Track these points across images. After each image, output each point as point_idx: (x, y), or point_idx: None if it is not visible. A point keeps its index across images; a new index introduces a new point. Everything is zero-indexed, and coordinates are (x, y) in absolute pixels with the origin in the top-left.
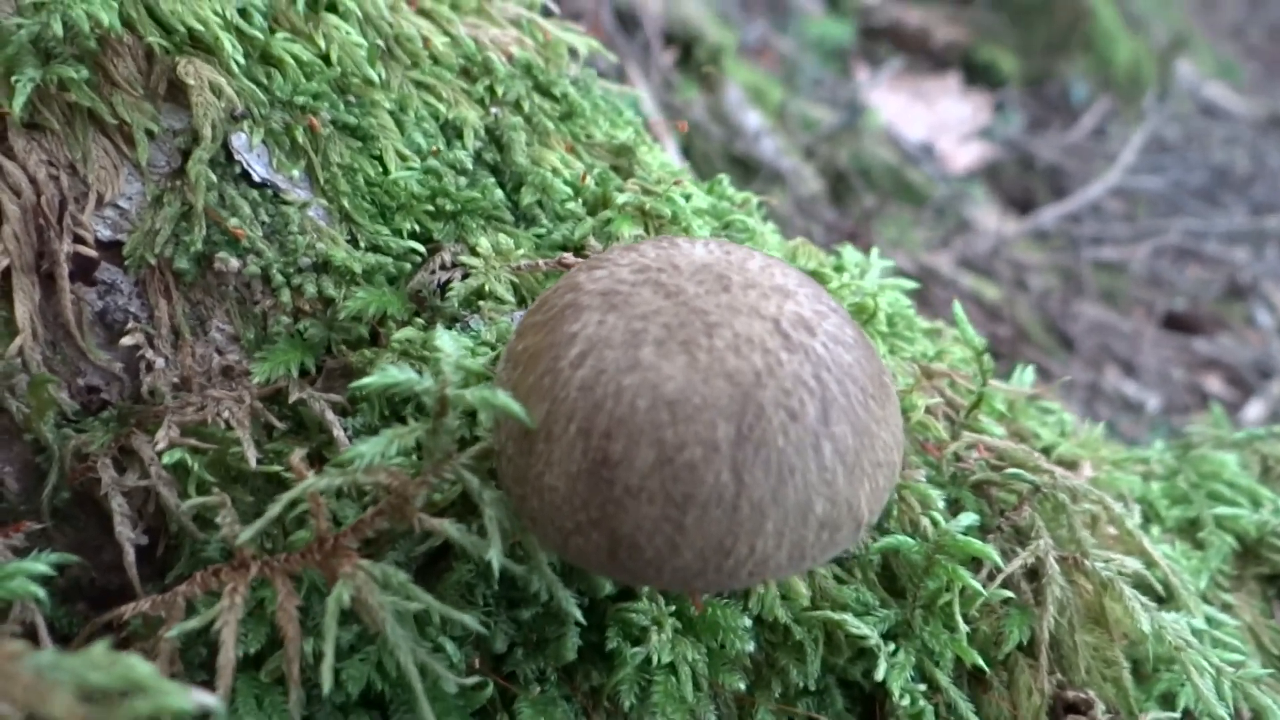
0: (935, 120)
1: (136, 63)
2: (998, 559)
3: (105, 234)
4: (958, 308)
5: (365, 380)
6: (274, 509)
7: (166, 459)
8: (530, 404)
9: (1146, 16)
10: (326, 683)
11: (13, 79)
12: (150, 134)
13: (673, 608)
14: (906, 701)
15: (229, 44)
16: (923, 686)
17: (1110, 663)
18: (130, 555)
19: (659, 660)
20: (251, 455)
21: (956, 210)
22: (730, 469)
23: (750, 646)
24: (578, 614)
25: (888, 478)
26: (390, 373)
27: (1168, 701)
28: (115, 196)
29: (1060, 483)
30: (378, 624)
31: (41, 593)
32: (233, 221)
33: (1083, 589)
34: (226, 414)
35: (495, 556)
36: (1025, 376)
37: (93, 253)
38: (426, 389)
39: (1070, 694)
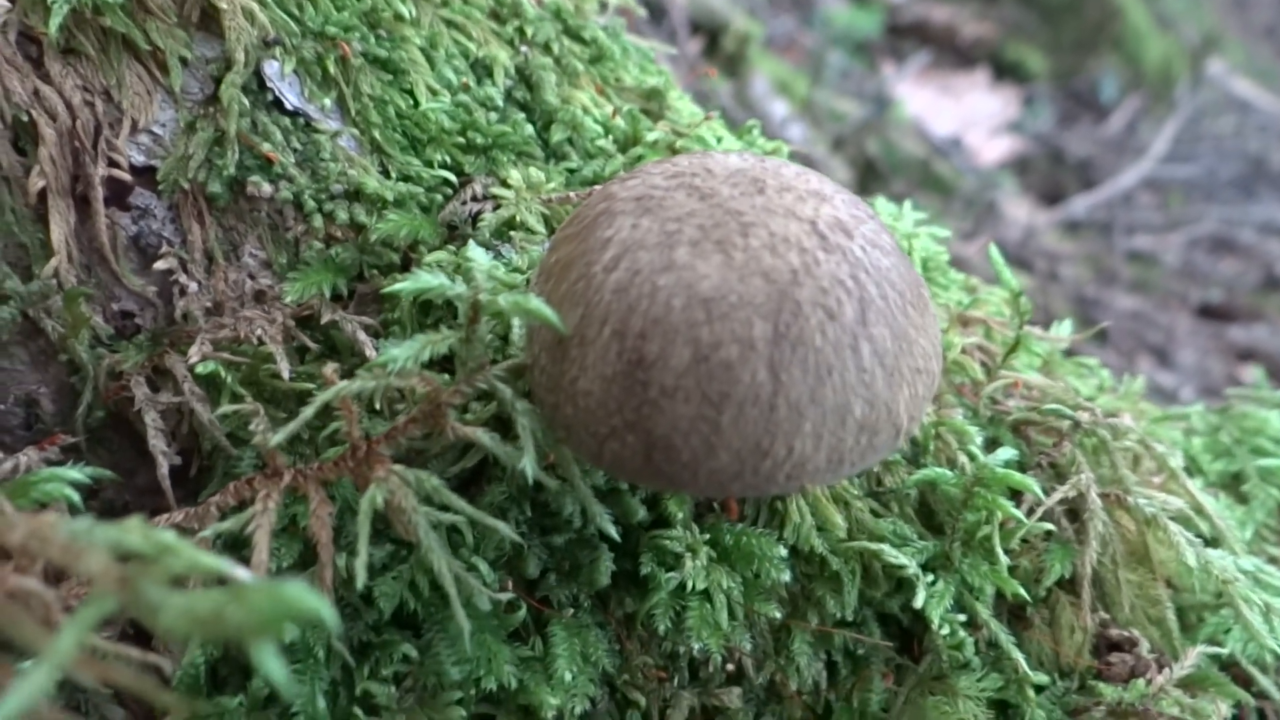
0: (963, 114)
1: None
2: (1038, 491)
3: (139, 159)
4: (993, 249)
5: (398, 284)
6: (307, 411)
7: (200, 369)
8: (564, 311)
9: (1177, 16)
10: (360, 578)
11: (49, 1)
12: (184, 61)
13: (707, 536)
14: (946, 631)
15: None
16: (962, 617)
17: (1154, 601)
18: (164, 467)
19: (693, 586)
20: (285, 368)
21: (985, 201)
22: (767, 367)
23: (786, 576)
24: (612, 530)
25: (927, 386)
26: (423, 277)
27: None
28: (149, 123)
29: (1101, 419)
30: (410, 530)
31: (75, 496)
32: (265, 146)
33: (1125, 528)
34: (259, 332)
35: (529, 464)
36: (1063, 328)
37: (127, 177)
38: (459, 294)
39: (1114, 632)
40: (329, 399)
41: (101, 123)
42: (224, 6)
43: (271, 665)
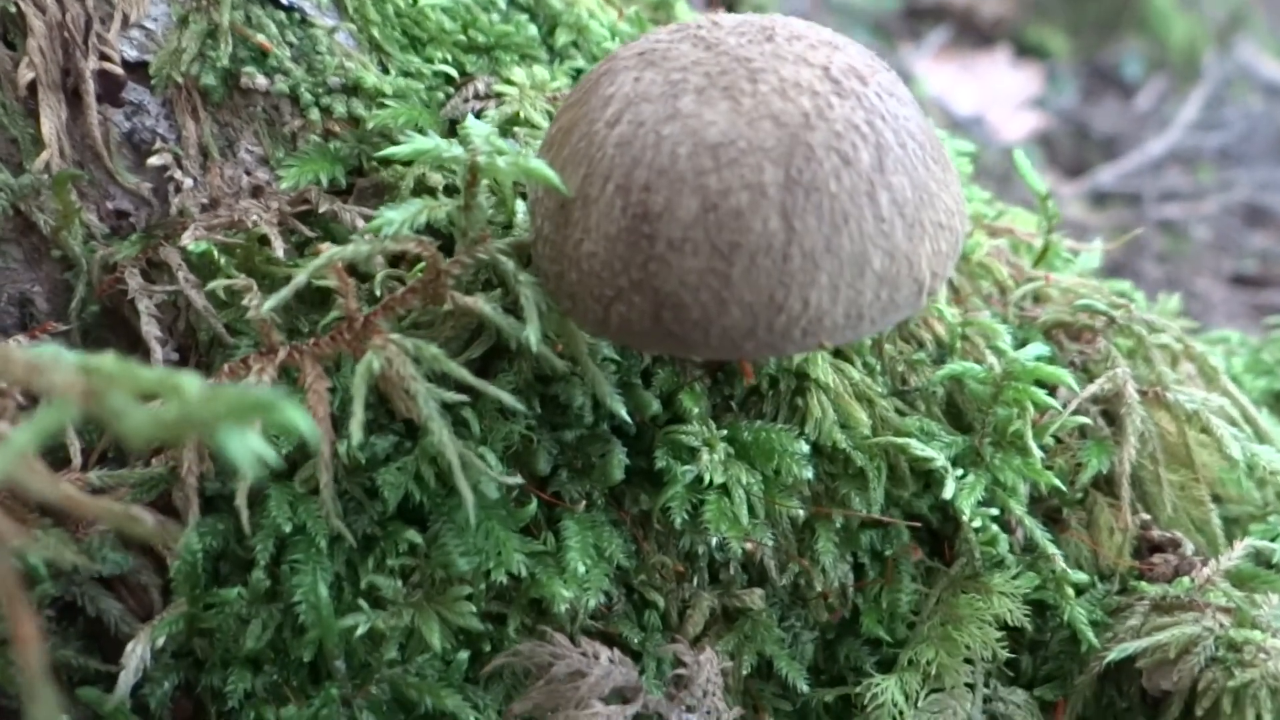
0: (984, 92)
1: None
2: (1072, 382)
3: (132, 54)
4: (1018, 154)
5: (394, 148)
6: (299, 276)
7: (193, 248)
8: (566, 174)
9: None
10: (355, 435)
11: None
12: None
13: (724, 432)
14: (978, 524)
15: None
16: (994, 511)
17: (1198, 502)
18: (158, 353)
19: (711, 480)
20: (280, 248)
21: (1008, 176)
22: (779, 214)
23: (808, 473)
24: (623, 411)
25: (950, 243)
26: (418, 139)
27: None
28: (141, 17)
29: (1137, 316)
30: (410, 405)
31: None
32: (260, 37)
33: (1165, 429)
34: (255, 218)
35: (532, 333)
36: (1091, 259)
37: (119, 71)
38: (456, 156)
39: (1155, 534)
40: (321, 264)
41: (92, 16)
42: None
43: (239, 446)
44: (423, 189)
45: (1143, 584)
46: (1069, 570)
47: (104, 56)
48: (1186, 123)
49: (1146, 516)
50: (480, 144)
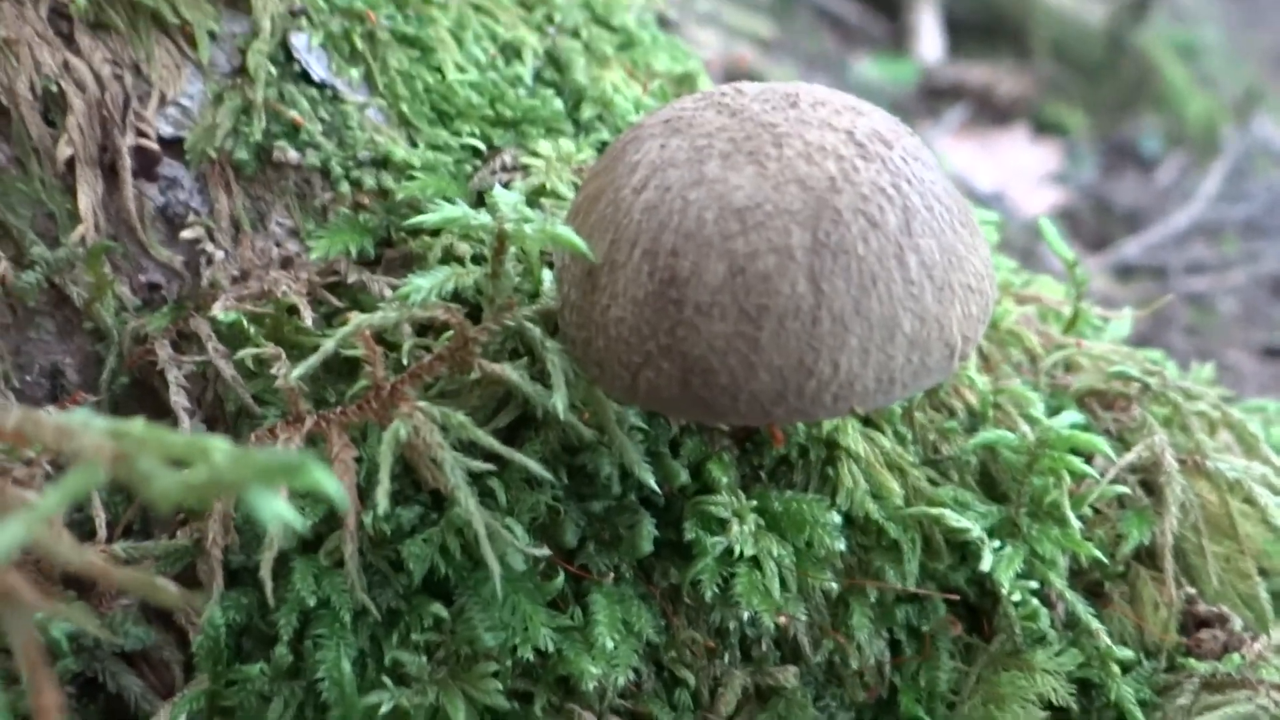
0: (1004, 168)
1: None
2: (1108, 450)
3: (168, 131)
4: (1044, 222)
5: (422, 216)
6: (328, 344)
7: (223, 317)
8: (593, 240)
9: (1217, 75)
10: (382, 504)
11: None
12: (212, 35)
13: (754, 502)
14: (1018, 598)
15: None
16: (1034, 584)
17: (1244, 575)
18: (186, 424)
19: (741, 552)
20: (308, 316)
21: (1031, 250)
22: (807, 278)
23: (841, 544)
24: (651, 480)
25: (981, 307)
26: (446, 208)
27: None
28: (177, 95)
29: (1171, 381)
30: (437, 475)
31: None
32: (292, 112)
33: (1206, 499)
34: (284, 288)
35: (560, 400)
36: (1121, 326)
37: (155, 147)
38: (483, 224)
39: (1201, 608)
40: (349, 331)
41: (130, 95)
42: None
43: (268, 508)
44: (450, 258)
45: (1191, 660)
46: (1114, 646)
47: (141, 133)
48: (1209, 195)
49: (1191, 590)
50: (507, 211)
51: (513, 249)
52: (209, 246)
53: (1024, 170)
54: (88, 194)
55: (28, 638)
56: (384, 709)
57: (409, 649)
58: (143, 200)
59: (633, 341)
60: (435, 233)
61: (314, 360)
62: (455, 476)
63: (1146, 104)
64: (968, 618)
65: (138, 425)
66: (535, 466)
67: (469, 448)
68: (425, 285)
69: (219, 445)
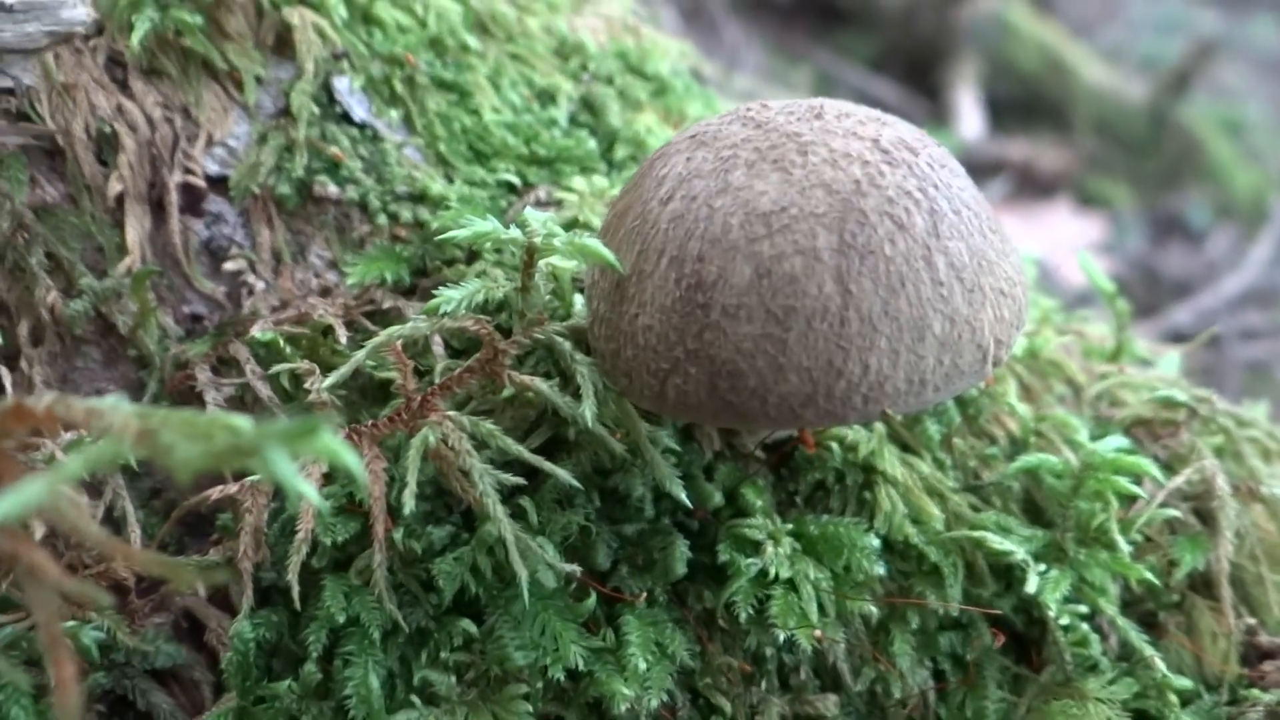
0: (1048, 239)
1: (247, 18)
2: (1156, 473)
3: (214, 169)
4: (1083, 254)
5: (454, 231)
6: (359, 354)
7: (260, 336)
8: (621, 253)
9: (1263, 150)
10: (408, 504)
11: (133, 18)
12: (258, 79)
13: (789, 525)
14: (1066, 622)
15: (334, 1)
16: (1084, 608)
17: None
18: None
19: (777, 574)
20: (343, 336)
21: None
22: (834, 279)
23: (880, 569)
24: (683, 495)
25: (1013, 311)
26: (476, 223)
27: None
28: (224, 136)
29: (1221, 408)
30: (466, 487)
31: (131, 457)
32: (333, 149)
33: (1262, 527)
34: (321, 312)
35: (588, 410)
36: (1169, 364)
37: (202, 183)
38: (513, 238)
39: (1264, 639)
40: (380, 341)
41: (179, 136)
42: (295, 22)
43: (284, 468)
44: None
45: (1255, 691)
46: (1171, 676)
47: (188, 170)
48: (1261, 261)
49: (1252, 621)
50: (537, 227)
51: (544, 267)
52: (250, 278)
53: (1068, 241)
54: (135, 228)
55: (50, 613)
56: None
57: (438, 668)
58: (188, 234)
59: (660, 349)
60: (469, 260)
61: (346, 369)
62: (484, 484)
63: (1191, 178)
64: (1015, 649)
65: (164, 410)
66: (565, 475)
67: (500, 468)
68: (456, 297)
69: (241, 419)
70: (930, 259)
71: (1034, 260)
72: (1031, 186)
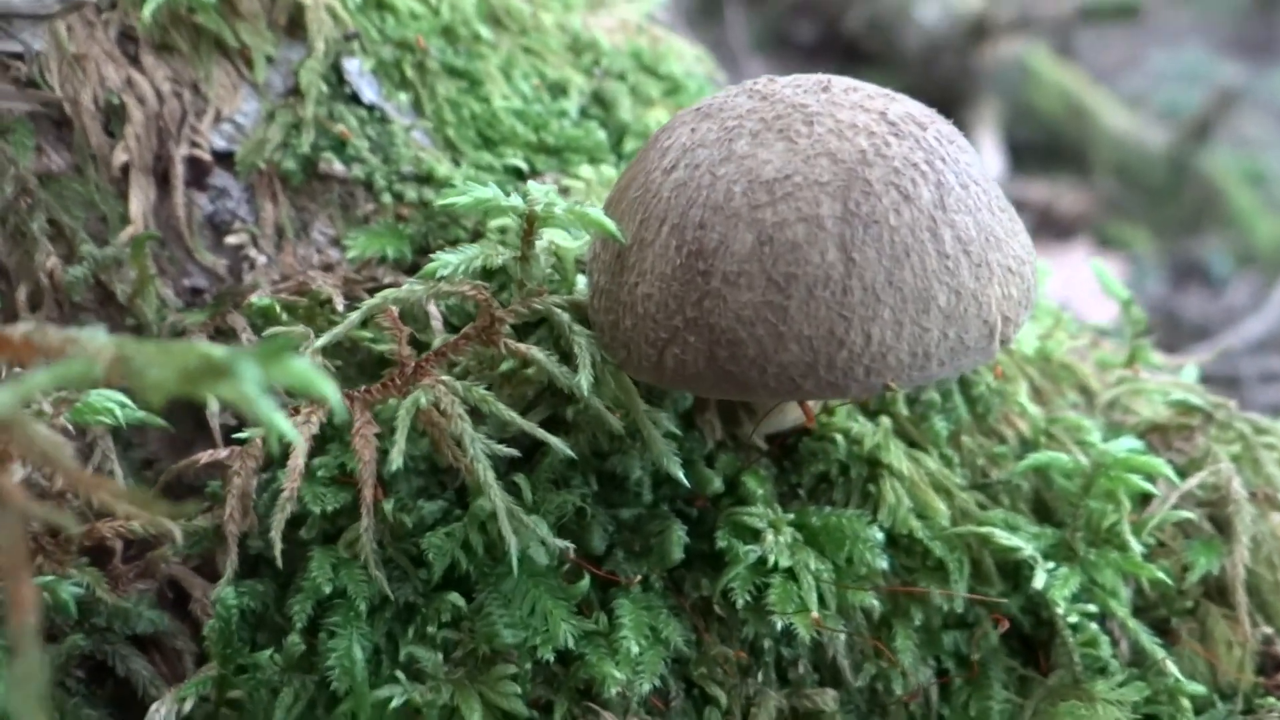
0: (1066, 280)
1: None
2: (1170, 473)
3: (221, 145)
4: (1096, 263)
5: (453, 198)
6: (353, 316)
7: (257, 302)
8: (623, 223)
9: None
10: (395, 461)
11: None
12: (269, 58)
13: (791, 515)
14: (1075, 620)
15: None
16: (1093, 607)
17: None
18: (214, 404)
19: (776, 563)
20: (340, 304)
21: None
22: (838, 246)
23: (883, 563)
24: (679, 473)
25: (1021, 290)
26: (476, 189)
27: None
28: (233, 112)
29: (1239, 413)
30: (455, 451)
31: (119, 410)
32: (340, 126)
33: (1278, 535)
34: (318, 283)
35: (584, 379)
36: (1188, 375)
37: (207, 157)
38: (514, 205)
39: None
40: (375, 304)
41: (188, 110)
42: (308, 3)
43: (254, 384)
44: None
45: (1270, 700)
46: (1184, 681)
47: (195, 145)
48: None
49: (1268, 630)
50: (539, 195)
51: (548, 244)
52: (252, 252)
53: (1086, 283)
54: (139, 199)
55: (14, 538)
56: (395, 703)
57: (425, 645)
58: (192, 208)
59: (660, 318)
60: (474, 240)
61: (339, 330)
62: (475, 449)
63: (1212, 225)
64: (1022, 651)
65: (142, 339)
66: (558, 443)
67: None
68: (454, 261)
69: (217, 346)
70: (936, 231)
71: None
72: (1051, 228)
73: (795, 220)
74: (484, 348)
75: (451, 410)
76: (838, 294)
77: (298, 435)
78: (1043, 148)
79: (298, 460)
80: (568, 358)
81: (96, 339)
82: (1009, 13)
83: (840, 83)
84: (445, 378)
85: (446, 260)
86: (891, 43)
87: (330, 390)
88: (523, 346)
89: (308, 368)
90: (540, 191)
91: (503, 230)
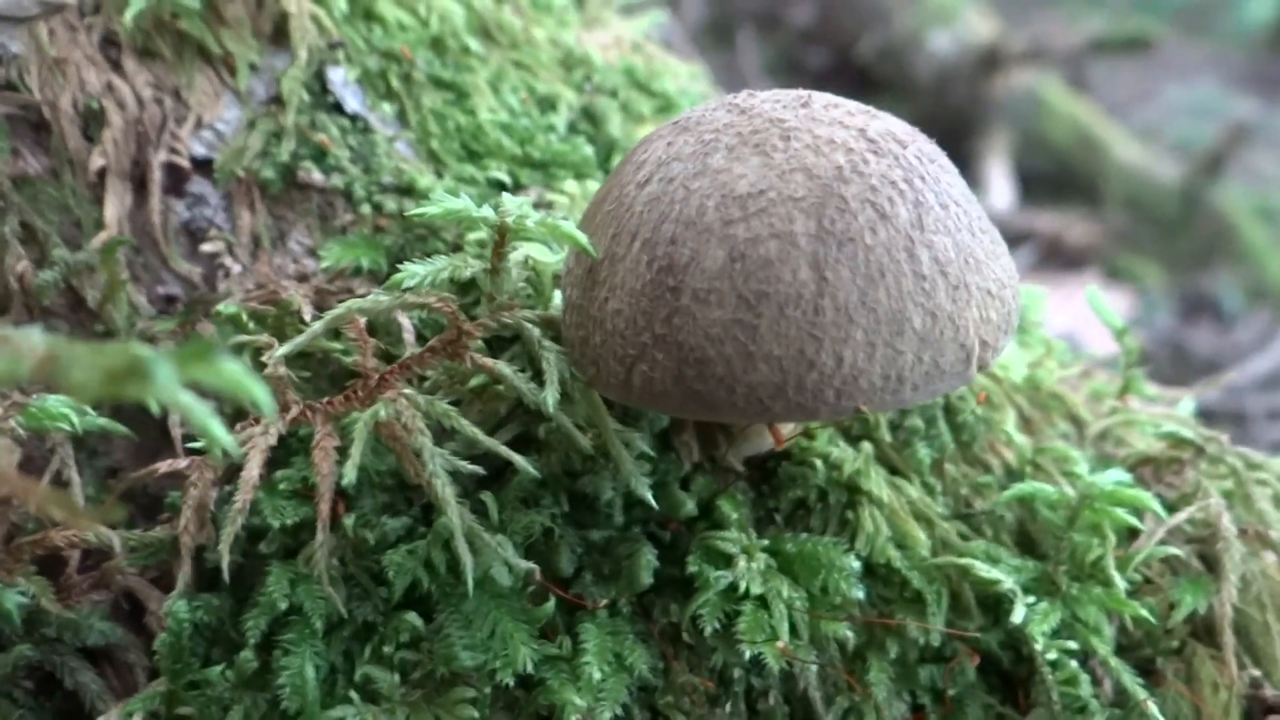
0: (1074, 311)
1: (246, 6)
2: (1157, 507)
3: (200, 151)
4: (1090, 289)
5: (424, 208)
6: (316, 326)
7: (224, 309)
8: (596, 238)
9: None
10: (349, 474)
11: None
12: (253, 66)
13: (765, 541)
14: (1053, 656)
15: None
16: (1073, 644)
17: None
18: (177, 430)
19: (748, 590)
20: (308, 312)
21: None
22: (810, 265)
23: (859, 593)
24: (647, 494)
25: (1002, 315)
26: (448, 200)
27: None
28: (214, 120)
29: (1230, 447)
30: (417, 466)
31: (75, 417)
32: (321, 135)
33: (1272, 578)
34: (289, 292)
35: (550, 395)
36: (1184, 408)
37: (186, 164)
38: (485, 217)
39: (1270, 693)
40: (339, 314)
41: (168, 117)
42: (292, 10)
43: (169, 385)
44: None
45: None
46: None
47: (174, 151)
48: None
49: (1256, 673)
50: (512, 207)
51: (524, 260)
52: (227, 260)
53: (1094, 314)
54: (115, 204)
55: None
56: None
57: (382, 665)
58: (168, 214)
59: (628, 334)
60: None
61: (301, 340)
62: (434, 464)
63: (1223, 260)
64: (1002, 688)
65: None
66: (521, 460)
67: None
68: (421, 272)
69: (145, 347)
70: (913, 251)
71: (1039, 296)
72: (1059, 259)
73: (768, 237)
74: (451, 361)
75: (413, 424)
76: (809, 313)
77: (232, 442)
78: (1053, 178)
79: (253, 471)
80: (540, 374)
81: (29, 338)
82: (1020, 43)
83: (820, 99)
84: (408, 391)
85: (414, 271)
86: (903, 71)
87: (260, 393)
88: (489, 361)
89: (234, 369)
90: (513, 204)
91: (481, 244)
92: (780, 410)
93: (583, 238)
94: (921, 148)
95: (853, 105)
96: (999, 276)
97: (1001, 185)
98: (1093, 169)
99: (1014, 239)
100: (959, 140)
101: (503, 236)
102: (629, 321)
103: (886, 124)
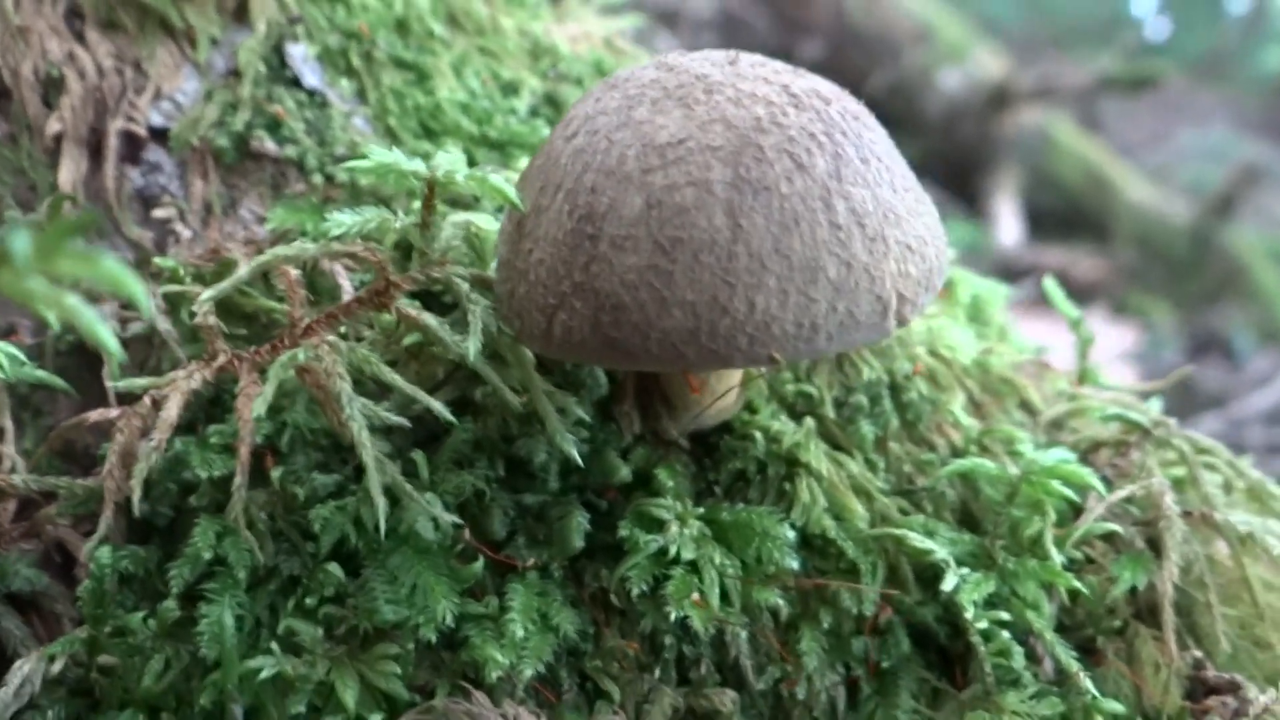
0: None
1: None
2: (1099, 485)
3: (158, 121)
4: (1047, 280)
5: (356, 162)
6: (242, 271)
7: (161, 262)
8: (525, 193)
9: None
10: (259, 408)
11: None
12: (213, 40)
13: (700, 510)
14: (984, 626)
15: None
16: (1005, 615)
17: (1263, 645)
18: (110, 365)
19: (678, 554)
20: (245, 269)
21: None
22: (725, 212)
23: (792, 562)
24: (573, 450)
25: (922, 270)
26: (381, 153)
27: None
28: (173, 91)
29: (1179, 431)
30: (336, 411)
31: (7, 364)
32: (276, 106)
33: (1218, 560)
34: (230, 250)
35: (472, 345)
36: (1152, 404)
37: (143, 132)
38: (415, 170)
39: (1211, 674)
40: (265, 260)
41: (128, 87)
42: None
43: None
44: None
45: None
46: (1101, 699)
47: (131, 119)
48: None
49: (1198, 653)
50: (443, 162)
51: (464, 220)
52: (178, 226)
53: (1100, 348)
54: (70, 169)
55: None
56: (265, 674)
57: (306, 618)
58: (122, 181)
59: (550, 283)
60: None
61: (226, 285)
62: (351, 409)
63: (1233, 300)
64: (940, 664)
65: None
66: (438, 406)
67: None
68: (348, 221)
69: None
70: (829, 201)
71: (1006, 295)
72: (1066, 293)
73: (684, 184)
74: (378, 313)
75: (333, 368)
76: (723, 259)
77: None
78: (1062, 216)
79: (171, 412)
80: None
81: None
82: (1030, 82)
83: (749, 58)
84: (331, 338)
85: (340, 220)
86: (913, 108)
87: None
88: (414, 312)
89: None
90: (444, 159)
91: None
92: (694, 357)
93: (511, 190)
94: (846, 105)
95: (781, 65)
96: (920, 234)
97: (1009, 222)
98: (1102, 207)
99: (1019, 273)
100: (968, 176)
101: (431, 190)
102: (550, 271)
103: (812, 82)
